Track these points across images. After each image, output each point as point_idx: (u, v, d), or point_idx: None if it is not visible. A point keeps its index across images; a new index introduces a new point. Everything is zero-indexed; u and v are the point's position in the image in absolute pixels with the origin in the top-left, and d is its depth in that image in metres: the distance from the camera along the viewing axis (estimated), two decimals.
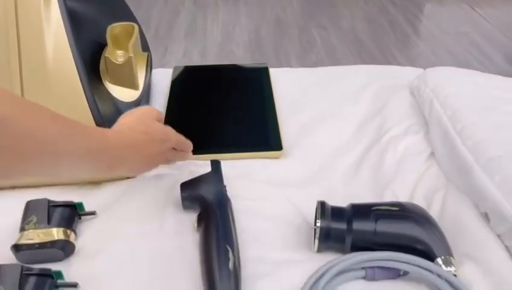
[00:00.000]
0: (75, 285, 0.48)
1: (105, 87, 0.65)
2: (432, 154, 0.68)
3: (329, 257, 0.52)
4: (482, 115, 0.66)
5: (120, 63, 0.65)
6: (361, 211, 0.55)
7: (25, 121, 0.38)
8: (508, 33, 2.16)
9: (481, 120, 0.64)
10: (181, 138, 0.60)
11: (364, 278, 0.51)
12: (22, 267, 0.46)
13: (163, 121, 0.61)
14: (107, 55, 0.64)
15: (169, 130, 0.58)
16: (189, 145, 0.61)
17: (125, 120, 0.55)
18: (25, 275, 0.46)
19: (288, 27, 2.24)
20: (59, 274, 0.48)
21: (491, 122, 0.64)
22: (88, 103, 0.57)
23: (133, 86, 0.68)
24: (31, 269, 0.47)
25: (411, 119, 0.74)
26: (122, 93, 0.67)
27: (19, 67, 0.58)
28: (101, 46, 0.66)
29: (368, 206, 0.55)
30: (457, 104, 0.68)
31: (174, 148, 0.59)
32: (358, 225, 0.53)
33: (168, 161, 0.60)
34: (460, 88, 0.72)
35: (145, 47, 0.78)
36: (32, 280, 0.46)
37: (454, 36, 2.15)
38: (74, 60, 0.57)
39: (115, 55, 0.65)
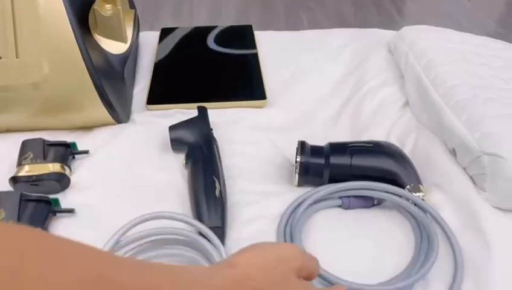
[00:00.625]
0: (71, 211, 0.51)
1: (94, 40, 0.67)
2: (406, 103, 0.72)
3: (308, 190, 0.56)
4: (453, 65, 0.70)
5: (108, 15, 0.67)
6: (338, 148, 0.59)
7: None
8: (491, 14, 2.22)
9: (452, 69, 0.69)
10: None
11: (340, 206, 0.56)
12: (21, 194, 0.50)
13: (315, 275, 0.38)
14: (96, 8, 0.66)
15: None
16: None
17: (244, 262, 0.34)
18: (24, 201, 0.49)
19: (275, 8, 2.27)
20: (56, 201, 0.51)
21: (461, 71, 0.68)
22: (81, 54, 0.59)
23: (121, 38, 0.71)
24: (30, 196, 0.50)
25: (388, 73, 0.78)
26: (111, 46, 0.70)
27: (12, 23, 0.60)
28: (90, 0, 0.69)
29: (345, 144, 0.59)
30: (430, 56, 0.72)
31: None
32: (335, 160, 0.57)
33: None
34: (434, 42, 0.76)
35: (132, 5, 0.81)
36: (31, 206, 0.49)
37: (437, 16, 2.20)
38: (66, 12, 0.59)
39: (103, 8, 0.68)
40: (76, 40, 0.59)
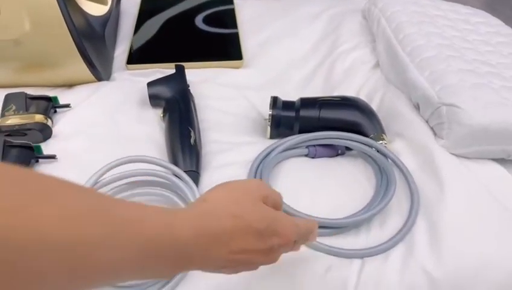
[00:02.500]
0: (53, 156, 0.54)
1: (75, 1, 0.69)
2: (376, 65, 0.76)
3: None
4: (421, 27, 0.73)
5: None
6: (308, 102, 0.62)
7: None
8: None
9: (420, 31, 0.72)
10: (306, 225, 0.42)
11: (307, 155, 0.59)
12: (5, 140, 0.52)
13: (280, 208, 0.41)
14: None
15: (287, 221, 0.38)
16: (315, 226, 0.43)
17: (213, 195, 0.37)
18: (7, 147, 0.52)
19: None
20: (38, 148, 0.53)
21: (427, 32, 0.72)
22: (62, 12, 0.61)
23: (101, 0, 0.73)
24: (12, 142, 0.53)
25: (361, 37, 0.81)
26: (91, 8, 0.71)
27: None
28: None
29: (314, 98, 0.63)
30: (400, 19, 0.75)
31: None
32: (304, 112, 0.61)
33: (273, 261, 0.39)
34: (404, 7, 0.79)
35: None
36: (14, 151, 0.52)
37: None
38: None
39: None
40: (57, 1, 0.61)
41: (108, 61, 0.73)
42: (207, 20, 0.84)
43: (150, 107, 0.65)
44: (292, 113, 0.61)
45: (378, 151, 0.56)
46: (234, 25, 0.83)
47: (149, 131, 0.61)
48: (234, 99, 0.68)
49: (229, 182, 0.39)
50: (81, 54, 0.63)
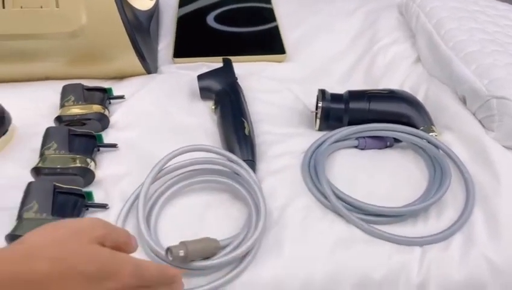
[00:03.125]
0: (114, 145, 0.56)
1: None
2: (417, 60, 0.77)
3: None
4: (462, 22, 0.74)
5: None
6: (357, 94, 0.63)
7: None
8: None
9: (460, 26, 0.73)
10: (155, 269, 0.37)
11: (356, 147, 0.60)
12: (69, 129, 0.54)
13: (127, 247, 0.37)
14: None
15: (125, 262, 0.34)
16: (176, 274, 0.38)
17: (32, 237, 0.33)
18: (71, 136, 0.53)
19: None
20: (100, 137, 0.55)
21: (468, 27, 0.73)
22: (117, 5, 0.62)
23: None
24: (76, 131, 0.54)
25: (399, 32, 0.82)
26: (138, 2, 0.73)
27: None
28: None
29: (363, 91, 0.64)
30: (440, 14, 0.76)
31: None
32: (354, 105, 0.62)
33: None
34: (443, 2, 0.80)
35: None
36: (78, 140, 0.54)
37: None
38: None
39: None
40: None
41: (154, 54, 0.75)
42: (246, 16, 0.86)
43: (199, 99, 0.67)
44: (341, 106, 0.62)
45: (429, 142, 0.57)
46: (273, 20, 0.84)
47: (200, 122, 0.63)
48: (280, 92, 0.69)
49: (57, 223, 0.35)
50: (133, 47, 0.65)
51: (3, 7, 0.60)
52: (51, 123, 0.59)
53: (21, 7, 0.60)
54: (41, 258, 0.31)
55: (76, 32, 0.62)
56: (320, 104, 0.61)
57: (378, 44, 0.79)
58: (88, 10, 0.61)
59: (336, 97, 0.63)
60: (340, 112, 0.62)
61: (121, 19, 0.63)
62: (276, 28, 0.82)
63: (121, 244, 0.36)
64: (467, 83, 0.63)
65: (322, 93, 0.63)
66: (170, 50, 0.77)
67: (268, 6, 0.88)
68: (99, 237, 0.34)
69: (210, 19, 0.84)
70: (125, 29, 0.63)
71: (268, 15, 0.86)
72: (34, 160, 0.54)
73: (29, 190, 0.46)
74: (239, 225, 0.49)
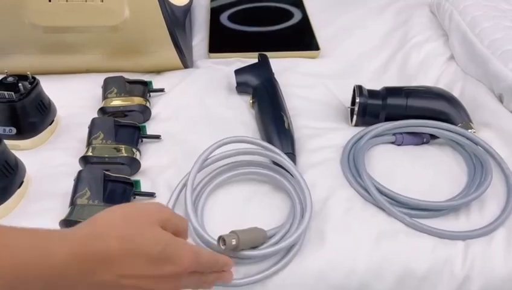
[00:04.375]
0: (158, 137, 0.57)
1: None
2: (451, 57, 0.77)
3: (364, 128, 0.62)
4: (496, 20, 0.74)
5: None
6: (394, 91, 0.64)
7: None
8: None
9: (496, 24, 0.73)
10: (210, 257, 0.39)
11: (393, 142, 0.61)
12: (114, 119, 0.55)
13: (184, 234, 0.39)
14: None
15: (186, 248, 0.36)
16: (227, 263, 0.41)
17: (103, 216, 0.35)
18: (117, 126, 0.55)
19: None
20: (144, 128, 0.56)
21: (503, 26, 0.73)
22: (159, 3, 0.64)
23: None
24: (121, 122, 0.55)
25: (431, 30, 0.82)
26: None
27: None
28: None
29: (399, 88, 0.64)
30: (474, 13, 0.76)
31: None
32: (391, 101, 0.62)
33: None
34: (476, 1, 0.80)
35: None
36: (123, 131, 0.55)
37: None
38: None
39: None
40: None
41: (189, 49, 0.76)
42: (278, 13, 0.86)
43: (234, 93, 0.68)
44: (379, 102, 0.62)
45: (468, 139, 0.57)
46: (305, 16, 0.85)
47: (237, 115, 0.64)
48: (315, 88, 0.70)
49: (125, 205, 0.37)
50: (173, 42, 0.66)
51: (50, 0, 0.61)
52: (93, 114, 0.60)
53: (67, 1, 0.62)
54: (111, 237, 0.32)
55: (118, 26, 0.63)
56: (357, 100, 0.62)
57: (411, 42, 0.80)
58: (131, 5, 0.63)
59: (372, 93, 0.63)
60: (377, 108, 0.62)
61: (162, 14, 0.64)
62: (308, 25, 0.83)
63: (180, 230, 0.38)
64: (505, 81, 0.63)
65: (359, 89, 0.63)
66: (204, 45, 0.79)
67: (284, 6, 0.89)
68: (164, 220, 0.36)
69: (242, 15, 0.85)
70: (166, 24, 0.65)
71: (298, 12, 0.87)
72: (79, 149, 0.55)
73: (80, 178, 0.48)
74: (281, 215, 0.50)
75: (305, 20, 0.84)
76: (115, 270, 0.32)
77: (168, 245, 0.34)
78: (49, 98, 0.58)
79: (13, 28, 0.61)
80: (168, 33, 0.65)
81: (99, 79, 0.65)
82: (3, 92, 0.52)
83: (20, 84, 0.53)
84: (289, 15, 0.85)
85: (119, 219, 0.34)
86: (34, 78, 0.55)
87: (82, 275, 0.31)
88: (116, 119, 0.55)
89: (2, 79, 0.54)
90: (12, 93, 0.52)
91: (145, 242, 0.33)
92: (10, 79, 0.54)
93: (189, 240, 0.46)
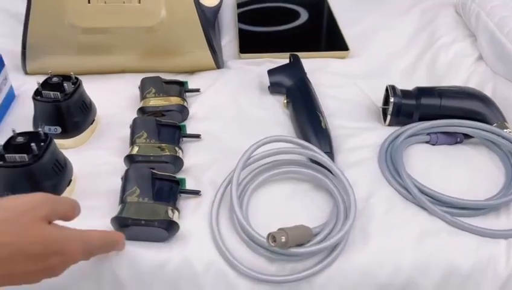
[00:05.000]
0: (198, 136, 0.58)
1: None
2: (479, 57, 0.77)
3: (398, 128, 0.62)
4: None
5: None
6: (427, 91, 0.64)
7: None
8: None
9: None
10: (100, 240, 0.42)
11: (428, 142, 0.61)
12: (155, 119, 0.56)
13: (68, 216, 0.40)
14: None
15: (71, 239, 0.37)
16: (118, 239, 0.44)
17: None
18: (158, 125, 0.56)
19: None
20: (184, 127, 0.57)
21: None
22: (194, 4, 0.65)
23: None
24: (161, 121, 0.56)
25: (458, 31, 0.83)
26: None
27: None
28: None
29: (432, 88, 0.65)
30: (502, 13, 0.76)
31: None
32: (425, 101, 0.63)
33: (57, 275, 0.38)
34: (503, 1, 0.81)
35: None
36: (165, 130, 0.56)
37: None
38: None
39: None
40: None
41: (220, 49, 0.76)
42: (305, 13, 0.87)
43: (267, 93, 0.69)
44: (413, 102, 0.63)
45: (504, 139, 0.58)
46: (330, 17, 0.86)
47: (272, 115, 0.65)
48: (346, 87, 0.70)
49: (2, 201, 0.36)
50: (207, 42, 0.67)
51: (89, 2, 0.62)
52: (131, 113, 0.61)
53: (105, 2, 0.63)
54: None
55: (154, 27, 0.64)
56: (391, 100, 0.62)
57: (439, 42, 0.80)
58: (167, 6, 0.64)
59: (406, 93, 0.64)
60: (411, 107, 0.63)
61: (198, 14, 0.65)
62: (334, 25, 0.84)
63: (68, 214, 0.39)
64: None
65: (393, 89, 0.64)
66: (232, 46, 0.80)
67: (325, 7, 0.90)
68: (46, 214, 0.36)
69: (269, 19, 0.86)
70: (201, 24, 0.66)
71: (324, 12, 0.88)
72: (120, 148, 0.56)
73: (128, 176, 0.48)
74: (322, 213, 0.51)
75: (331, 20, 0.85)
76: None
77: (50, 241, 0.35)
78: (90, 98, 0.59)
79: (53, 29, 0.62)
80: (203, 34, 0.66)
81: (133, 79, 0.67)
82: (49, 92, 0.53)
83: (65, 84, 0.54)
84: (315, 15, 0.86)
85: (4, 218, 0.34)
86: (76, 78, 0.56)
87: None
88: (157, 119, 0.56)
89: (47, 79, 0.55)
90: (58, 93, 0.53)
91: (25, 243, 0.34)
92: (55, 79, 0.55)
93: (235, 235, 0.48)
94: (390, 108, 0.63)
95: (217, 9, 0.78)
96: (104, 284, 0.45)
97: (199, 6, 0.65)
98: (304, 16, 0.87)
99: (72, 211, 0.40)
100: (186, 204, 0.50)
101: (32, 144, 0.45)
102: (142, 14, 0.63)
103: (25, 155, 0.45)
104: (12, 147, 0.46)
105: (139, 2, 0.63)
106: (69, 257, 0.37)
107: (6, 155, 0.45)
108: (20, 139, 0.46)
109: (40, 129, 0.47)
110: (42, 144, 0.47)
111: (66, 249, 0.36)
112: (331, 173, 0.53)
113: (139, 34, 0.65)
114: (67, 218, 0.39)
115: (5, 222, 0.34)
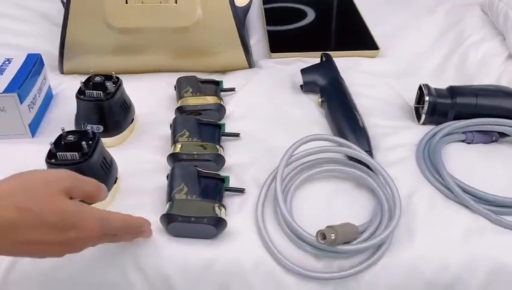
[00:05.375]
0: (237, 135, 0.58)
1: None
2: (509, 56, 0.77)
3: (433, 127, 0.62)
4: None
5: None
6: (461, 89, 0.64)
7: None
8: None
9: None
10: (121, 222, 0.42)
11: (464, 141, 0.61)
12: (196, 118, 0.57)
13: (96, 198, 0.41)
14: None
15: (90, 215, 0.38)
16: (142, 224, 0.44)
17: (3, 186, 0.35)
18: (199, 125, 0.56)
19: None
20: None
21: None
22: (230, 4, 0.65)
23: None
24: (202, 120, 0.57)
25: (485, 30, 0.83)
26: None
27: None
28: None
29: (466, 86, 0.65)
30: None
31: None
32: (461, 100, 0.63)
33: (75, 251, 0.39)
34: None
35: None
36: (205, 129, 0.56)
37: None
38: None
39: None
40: None
41: (250, 49, 0.77)
42: (331, 13, 0.88)
43: (300, 92, 0.69)
44: (448, 100, 0.63)
45: None
46: (358, 16, 0.86)
47: (307, 114, 0.65)
48: (379, 86, 0.71)
49: (26, 173, 0.37)
50: (241, 42, 0.68)
51: (126, 2, 0.63)
52: (168, 112, 0.61)
53: (142, 2, 0.63)
54: (9, 206, 0.34)
55: (190, 27, 0.65)
56: (427, 99, 0.62)
57: (467, 41, 0.80)
58: (203, 6, 0.64)
59: (440, 92, 0.64)
60: (447, 106, 0.63)
61: (233, 14, 0.65)
62: (362, 24, 0.84)
63: (91, 193, 0.40)
64: None
65: (427, 88, 0.64)
66: (261, 45, 0.80)
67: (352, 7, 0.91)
68: (66, 188, 0.37)
69: (298, 18, 0.86)
70: (236, 24, 0.66)
71: (351, 12, 0.88)
72: (161, 147, 0.57)
73: (174, 174, 0.49)
74: (364, 211, 0.51)
75: (358, 19, 0.86)
76: (12, 237, 0.34)
77: (69, 214, 0.36)
78: (129, 97, 0.59)
79: (91, 29, 0.63)
80: (237, 34, 0.67)
81: (167, 78, 0.67)
82: (92, 91, 0.54)
83: (107, 84, 0.55)
84: (343, 15, 0.87)
85: (19, 188, 0.35)
86: (117, 77, 0.57)
87: None
88: (197, 118, 0.57)
89: (88, 78, 0.56)
90: (101, 92, 0.54)
91: (45, 212, 0.35)
92: (97, 78, 0.55)
93: (279, 232, 0.48)
94: (425, 107, 0.63)
95: (247, 8, 0.78)
96: (153, 282, 0.46)
97: (234, 6, 0.66)
98: (329, 15, 0.87)
99: (96, 192, 0.41)
100: (231, 202, 0.51)
101: (83, 143, 0.46)
102: (179, 14, 0.64)
103: (76, 153, 0.46)
104: (62, 145, 0.47)
105: (176, 2, 0.63)
106: (86, 232, 0.37)
107: (57, 153, 0.45)
108: (70, 137, 0.47)
109: (88, 128, 0.48)
110: (90, 142, 0.47)
111: (83, 224, 0.36)
112: (372, 171, 0.53)
113: (174, 34, 0.66)
114: (91, 198, 0.40)
115: (28, 191, 0.35)
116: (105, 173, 0.48)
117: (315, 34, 0.83)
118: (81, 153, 0.46)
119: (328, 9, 0.90)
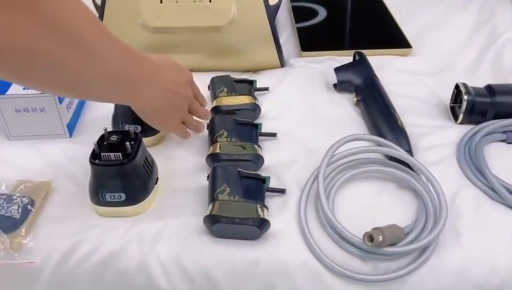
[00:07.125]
0: (274, 134, 0.58)
1: None
2: None
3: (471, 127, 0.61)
4: None
5: None
6: (500, 88, 0.63)
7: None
8: None
9: None
10: (201, 103, 0.59)
11: (504, 141, 0.60)
12: (233, 118, 0.56)
13: (198, 112, 0.57)
14: None
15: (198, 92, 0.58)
16: (206, 113, 0.58)
17: (155, 56, 0.50)
18: (237, 124, 0.56)
19: None
20: (260, 125, 0.56)
21: None
22: (264, 3, 0.65)
23: None
24: (239, 120, 0.56)
25: None
26: None
27: None
28: None
29: (505, 85, 0.64)
30: None
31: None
32: (501, 98, 0.61)
33: (181, 121, 0.55)
34: None
35: None
36: (242, 129, 0.56)
37: None
38: None
39: None
40: None
41: (281, 48, 0.76)
42: (360, 10, 0.87)
43: (333, 91, 0.68)
44: (487, 99, 0.61)
45: None
46: (387, 14, 0.85)
47: (343, 113, 0.64)
48: (413, 85, 0.70)
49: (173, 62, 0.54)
50: (274, 41, 0.67)
51: (161, 2, 0.63)
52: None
53: (176, 1, 0.63)
54: (165, 65, 0.52)
55: (224, 26, 0.64)
56: (465, 98, 0.61)
57: (501, 38, 0.79)
58: (238, 5, 0.64)
59: (478, 90, 0.63)
60: (486, 105, 0.61)
61: (267, 13, 0.65)
62: (392, 22, 0.83)
63: (202, 103, 0.59)
64: None
65: (465, 87, 0.63)
66: (291, 44, 0.80)
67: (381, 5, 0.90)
68: (190, 79, 0.56)
69: (330, 16, 0.86)
70: (269, 23, 0.65)
71: (379, 9, 0.87)
72: (199, 146, 0.57)
73: (216, 175, 0.49)
74: (408, 212, 0.50)
75: (388, 17, 0.84)
76: (161, 80, 0.49)
77: (189, 84, 0.56)
78: None
79: (127, 29, 0.63)
80: (271, 33, 0.66)
81: (199, 78, 0.66)
82: None
83: None
84: (371, 13, 0.86)
85: (170, 64, 0.53)
86: None
87: (146, 81, 0.47)
88: (234, 117, 0.56)
89: None
90: None
91: (182, 75, 0.55)
92: None
93: (322, 233, 0.48)
94: (464, 106, 0.61)
95: (277, 7, 0.78)
96: (197, 283, 0.46)
97: (268, 5, 0.65)
98: (358, 13, 0.86)
99: (204, 110, 0.58)
100: (272, 202, 0.50)
101: (127, 143, 0.46)
102: (213, 13, 0.63)
103: (120, 154, 0.45)
104: (105, 145, 0.47)
105: (210, 1, 0.63)
106: (192, 94, 0.56)
107: (101, 154, 0.45)
108: (113, 138, 0.47)
109: (130, 128, 0.48)
110: (133, 142, 0.47)
111: (192, 93, 0.56)
112: (413, 171, 0.52)
113: (208, 34, 0.65)
114: (198, 111, 0.57)
115: (177, 68, 0.54)
116: (148, 173, 0.48)
117: (345, 32, 0.82)
118: (125, 154, 0.46)
119: (357, 7, 0.89)
